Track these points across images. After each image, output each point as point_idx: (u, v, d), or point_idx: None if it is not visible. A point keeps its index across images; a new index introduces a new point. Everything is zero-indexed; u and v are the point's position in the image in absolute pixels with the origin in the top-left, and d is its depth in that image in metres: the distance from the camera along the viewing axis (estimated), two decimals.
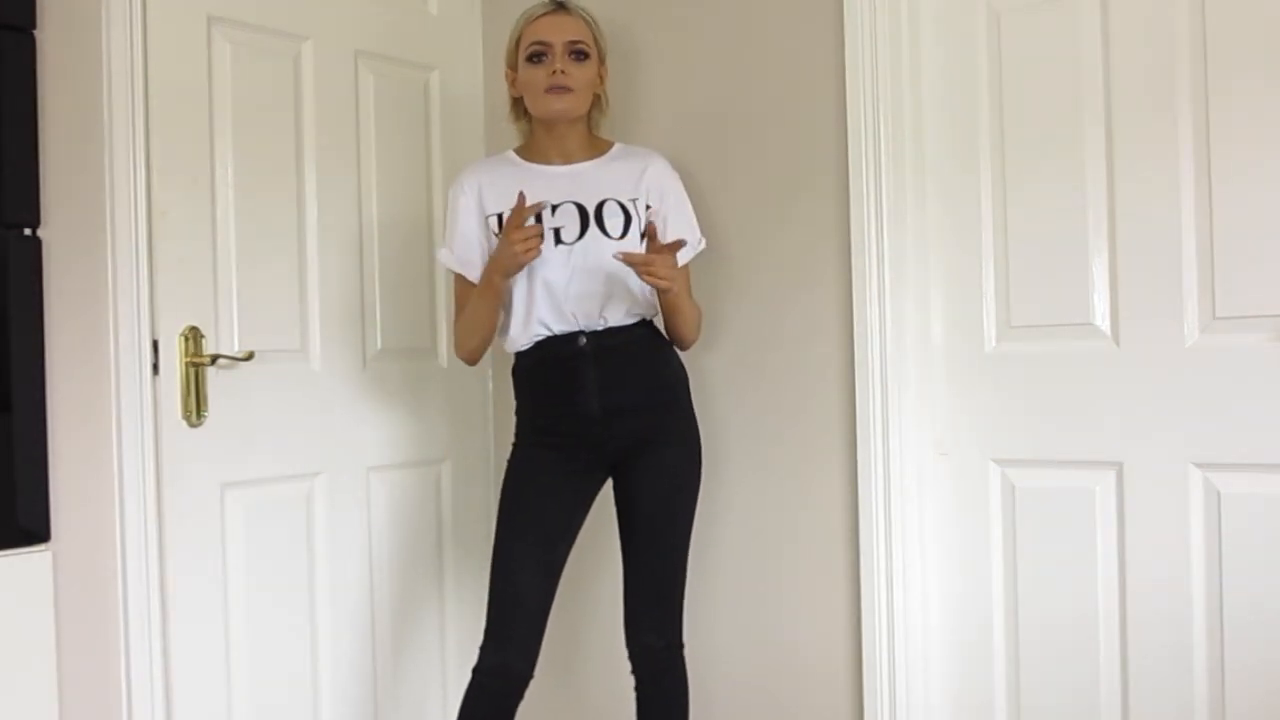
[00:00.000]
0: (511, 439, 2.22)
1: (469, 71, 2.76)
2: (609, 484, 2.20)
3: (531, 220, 2.05)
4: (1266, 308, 1.94)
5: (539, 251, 2.02)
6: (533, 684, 2.11)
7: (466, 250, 2.20)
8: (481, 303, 2.13)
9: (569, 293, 2.10)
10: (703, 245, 2.24)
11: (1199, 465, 2.01)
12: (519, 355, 2.19)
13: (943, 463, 2.28)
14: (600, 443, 2.12)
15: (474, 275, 2.18)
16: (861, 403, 2.25)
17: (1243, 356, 1.96)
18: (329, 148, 2.43)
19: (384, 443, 2.55)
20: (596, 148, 2.24)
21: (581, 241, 2.11)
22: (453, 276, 2.27)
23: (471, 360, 2.24)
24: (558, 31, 2.15)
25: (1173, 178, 2.02)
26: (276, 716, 2.33)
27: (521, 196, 2.02)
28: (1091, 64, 2.10)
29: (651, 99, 2.54)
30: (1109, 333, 2.10)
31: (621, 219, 2.13)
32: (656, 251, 2.00)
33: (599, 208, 2.13)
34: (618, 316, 2.12)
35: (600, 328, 2.11)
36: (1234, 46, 1.96)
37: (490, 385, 2.77)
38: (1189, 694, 2.02)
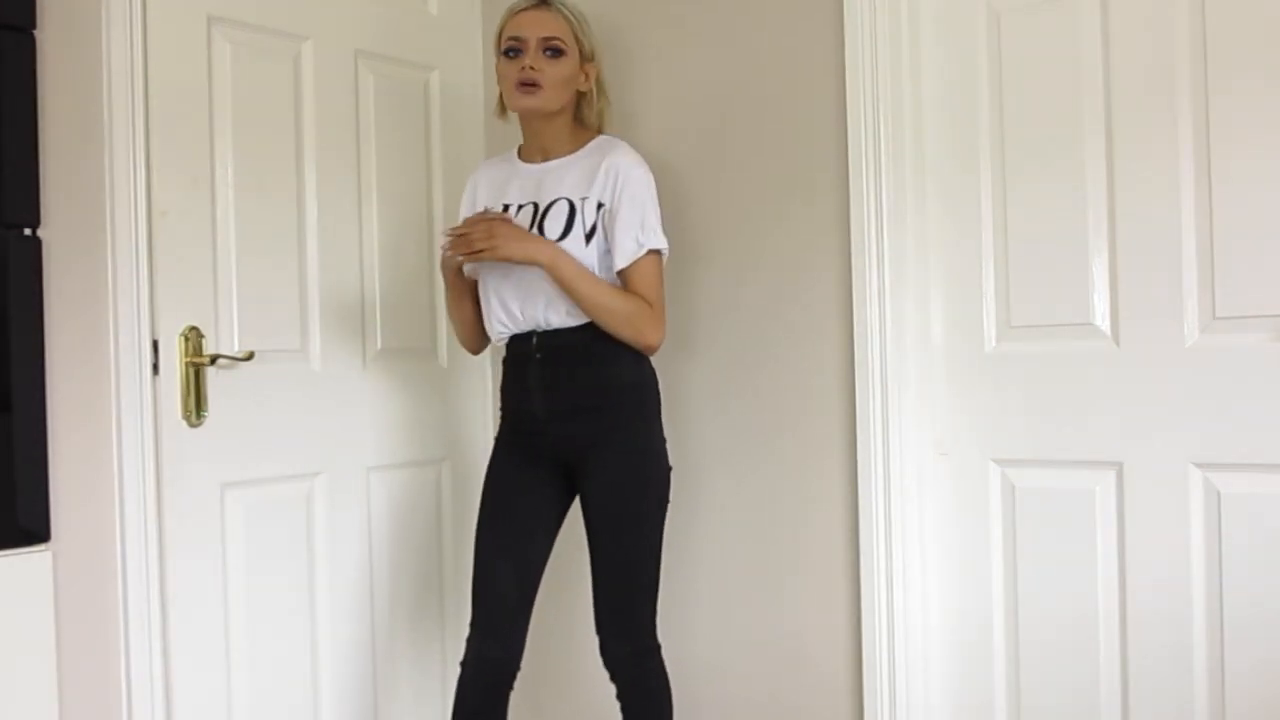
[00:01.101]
0: None
1: (469, 71, 2.76)
2: None
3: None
4: (1266, 308, 1.94)
5: (458, 257, 2.10)
6: (518, 686, 2.12)
7: None
8: (447, 297, 2.29)
9: (513, 294, 2.12)
10: (652, 247, 2.09)
11: (1199, 465, 2.01)
12: (506, 349, 2.22)
13: (943, 463, 2.27)
14: (549, 443, 2.13)
15: (467, 269, 2.22)
16: (861, 403, 2.25)
17: (1243, 356, 1.96)
18: (329, 148, 2.43)
19: (384, 443, 2.55)
20: (578, 142, 2.20)
21: None
22: None
23: (470, 350, 2.34)
24: (533, 27, 2.13)
25: (1173, 178, 2.02)
26: (276, 716, 2.33)
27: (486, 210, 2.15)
28: (1091, 64, 2.10)
29: (649, 97, 2.54)
30: (1109, 333, 2.10)
31: (563, 220, 2.10)
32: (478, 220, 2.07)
33: (547, 209, 2.12)
34: (559, 318, 2.10)
35: (547, 328, 2.11)
36: (1234, 46, 1.96)
37: (490, 385, 2.77)
38: (1189, 694, 2.02)
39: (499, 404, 2.25)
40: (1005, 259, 2.20)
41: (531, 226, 2.11)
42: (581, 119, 2.23)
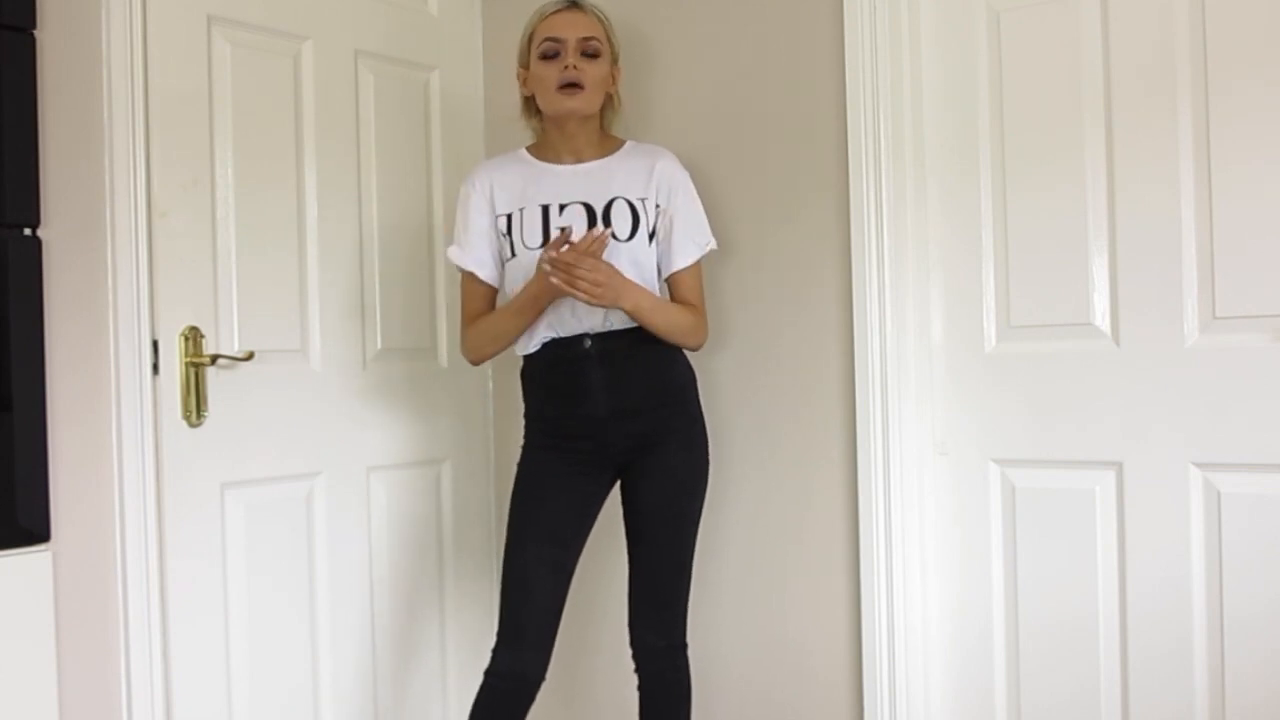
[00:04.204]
0: (515, 439, 2.23)
1: (469, 71, 2.76)
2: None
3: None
4: (1266, 308, 1.94)
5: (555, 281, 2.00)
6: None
7: (478, 249, 2.19)
8: (516, 319, 2.12)
9: (569, 298, 2.07)
10: (711, 246, 2.21)
11: (1199, 465, 2.01)
12: (527, 358, 2.18)
13: (943, 463, 2.28)
14: (607, 444, 2.12)
15: (485, 274, 2.19)
16: (861, 403, 2.25)
17: (1243, 356, 1.96)
18: (329, 148, 2.43)
19: (384, 443, 2.55)
20: (607, 146, 2.22)
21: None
22: (458, 275, 2.26)
23: (478, 363, 2.27)
24: (570, 28, 2.14)
25: (1173, 178, 2.02)
26: (276, 717, 2.33)
27: (563, 232, 2.03)
28: (1091, 64, 2.10)
29: (652, 100, 2.54)
30: (1109, 333, 2.10)
31: (629, 219, 2.12)
32: (578, 252, 1.98)
33: (607, 208, 2.13)
34: (622, 318, 2.10)
35: (605, 329, 2.11)
36: (1234, 46, 1.96)
37: (490, 385, 2.77)
38: (1189, 694, 2.02)
39: (526, 408, 2.20)
40: (1005, 259, 2.20)
41: (591, 225, 2.11)
42: (604, 120, 2.24)
